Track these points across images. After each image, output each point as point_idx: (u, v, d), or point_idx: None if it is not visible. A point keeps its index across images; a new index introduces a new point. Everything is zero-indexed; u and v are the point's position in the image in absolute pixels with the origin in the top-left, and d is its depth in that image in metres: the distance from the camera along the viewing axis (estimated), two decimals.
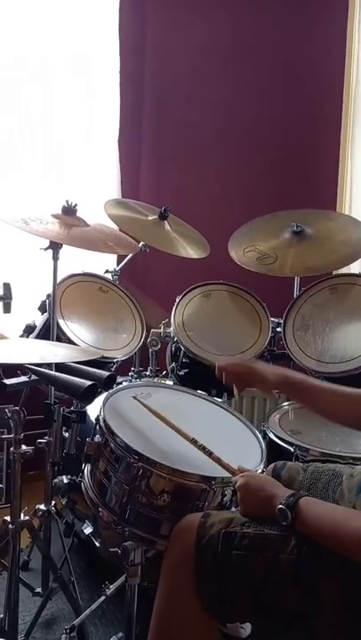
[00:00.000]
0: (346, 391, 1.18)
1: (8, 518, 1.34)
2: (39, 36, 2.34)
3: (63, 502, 1.77)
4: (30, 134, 2.38)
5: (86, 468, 1.30)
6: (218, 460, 1.14)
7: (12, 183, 2.34)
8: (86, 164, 2.52)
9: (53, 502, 1.64)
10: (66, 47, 2.41)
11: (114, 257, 2.41)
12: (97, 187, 2.53)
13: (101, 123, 2.57)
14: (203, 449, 1.16)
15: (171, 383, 1.76)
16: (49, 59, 2.38)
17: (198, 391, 1.55)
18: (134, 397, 1.33)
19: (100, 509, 1.22)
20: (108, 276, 2.12)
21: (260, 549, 0.95)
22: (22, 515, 1.35)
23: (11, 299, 1.39)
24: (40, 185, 2.39)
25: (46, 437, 1.60)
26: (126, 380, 1.89)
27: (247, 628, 1.34)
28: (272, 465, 1.26)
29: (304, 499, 0.95)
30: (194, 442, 1.18)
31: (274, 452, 1.52)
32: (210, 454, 1.15)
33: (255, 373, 1.24)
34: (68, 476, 1.70)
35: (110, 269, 2.16)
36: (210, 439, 1.20)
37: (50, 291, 1.67)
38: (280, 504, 0.95)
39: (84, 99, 2.50)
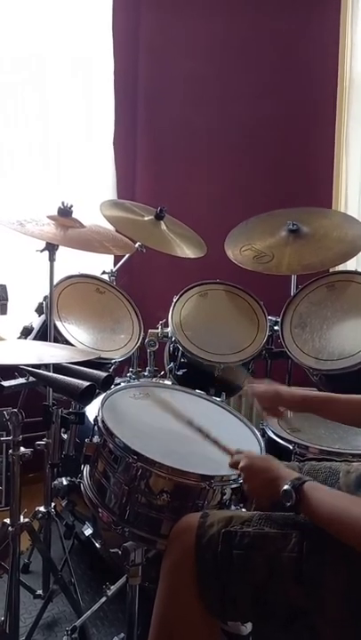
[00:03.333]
0: None
1: (8, 521, 1.33)
2: (36, 37, 2.33)
3: (63, 504, 1.77)
4: (26, 135, 2.38)
5: (85, 469, 1.30)
6: (216, 442, 1.14)
7: (8, 184, 2.34)
8: (82, 166, 2.52)
9: (53, 504, 1.64)
10: (62, 48, 2.41)
11: (110, 258, 2.40)
12: (93, 188, 2.52)
13: (97, 124, 2.57)
14: (199, 431, 1.16)
15: (169, 383, 1.76)
16: (46, 60, 2.38)
17: (197, 390, 1.55)
18: (128, 395, 1.34)
19: (99, 510, 1.22)
20: (105, 277, 2.12)
21: (260, 548, 0.95)
22: (22, 517, 1.35)
23: (7, 300, 1.39)
24: (36, 186, 2.39)
25: (45, 439, 1.59)
26: (124, 381, 1.88)
27: (248, 626, 1.34)
28: None
29: (310, 482, 0.95)
30: (190, 423, 1.17)
31: (273, 451, 1.51)
32: (207, 436, 1.15)
33: (281, 399, 1.28)
34: (68, 478, 1.69)
35: (107, 270, 2.16)
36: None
37: (47, 292, 1.67)
38: (285, 485, 0.95)
39: (80, 100, 2.50)
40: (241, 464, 1.05)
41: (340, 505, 0.91)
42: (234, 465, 1.08)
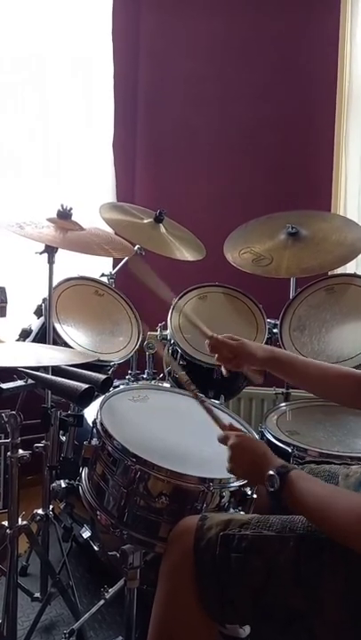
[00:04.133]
0: (333, 367, 1.22)
1: (6, 523, 1.33)
2: (36, 37, 2.34)
3: (61, 507, 1.77)
4: (26, 137, 2.39)
5: (84, 472, 1.30)
6: (209, 411, 1.14)
7: (7, 187, 2.34)
8: (81, 168, 2.53)
9: (51, 507, 1.64)
10: (62, 49, 2.42)
11: (110, 261, 2.41)
12: (92, 190, 2.53)
13: (96, 125, 2.58)
14: (196, 396, 1.18)
15: (168, 386, 1.76)
16: (46, 60, 2.39)
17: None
18: (126, 397, 1.34)
19: (97, 513, 1.22)
20: (104, 279, 2.12)
21: (258, 551, 0.95)
22: (20, 519, 1.35)
23: (6, 303, 1.39)
24: (35, 189, 2.39)
25: (43, 441, 1.59)
26: (123, 384, 1.88)
27: (246, 629, 1.33)
28: None
29: (296, 470, 0.95)
30: (188, 384, 1.21)
31: None
32: (202, 402, 1.16)
33: (244, 348, 1.25)
34: (66, 480, 1.69)
35: (106, 273, 2.16)
36: (208, 439, 1.20)
37: (45, 295, 1.67)
38: (270, 470, 0.94)
39: (80, 101, 2.51)
40: (230, 441, 1.04)
41: (325, 496, 0.91)
42: (223, 440, 1.07)
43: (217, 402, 1.58)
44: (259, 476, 0.97)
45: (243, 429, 1.39)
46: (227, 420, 1.29)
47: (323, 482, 1.05)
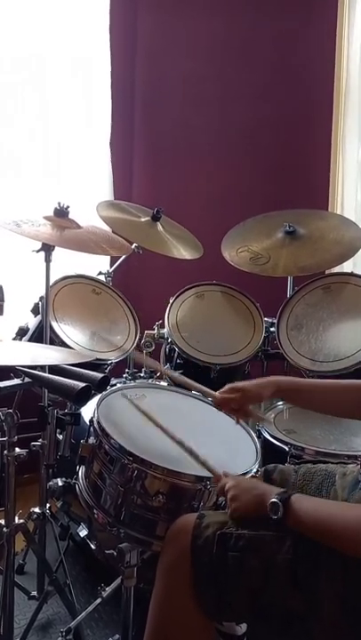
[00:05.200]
0: (338, 384, 1.21)
1: (2, 522, 1.33)
2: (36, 38, 2.33)
3: (58, 505, 1.76)
4: (23, 136, 2.38)
5: (81, 470, 1.30)
6: (204, 463, 1.13)
7: (4, 185, 2.33)
8: (79, 166, 2.52)
9: (48, 505, 1.63)
10: (61, 48, 2.41)
11: (107, 259, 2.40)
12: (89, 188, 2.52)
13: (94, 124, 2.57)
14: (190, 452, 1.15)
15: (165, 384, 1.76)
16: (45, 60, 2.38)
17: (193, 392, 1.55)
18: (124, 396, 1.33)
19: (94, 511, 1.22)
20: (102, 277, 2.12)
21: (255, 550, 0.95)
22: (17, 518, 1.35)
23: (3, 301, 1.39)
24: (32, 187, 2.38)
25: (40, 440, 1.59)
26: (121, 382, 1.88)
27: (243, 626, 1.34)
28: (263, 468, 1.26)
29: (296, 494, 0.96)
30: (181, 444, 1.17)
31: (268, 452, 1.52)
32: (196, 457, 1.14)
33: (248, 395, 1.23)
34: (63, 479, 1.69)
35: (103, 271, 2.15)
36: (205, 439, 1.20)
37: (42, 293, 1.67)
38: (272, 498, 0.95)
39: (77, 100, 2.50)
40: (227, 485, 1.04)
41: (326, 514, 0.91)
42: (220, 491, 1.07)
43: None
44: (261, 507, 0.97)
45: (240, 429, 1.40)
46: (227, 428, 1.30)
47: (322, 499, 1.06)
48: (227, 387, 1.27)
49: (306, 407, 1.30)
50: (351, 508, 0.95)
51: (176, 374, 1.34)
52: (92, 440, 1.26)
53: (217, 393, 1.29)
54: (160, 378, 2.03)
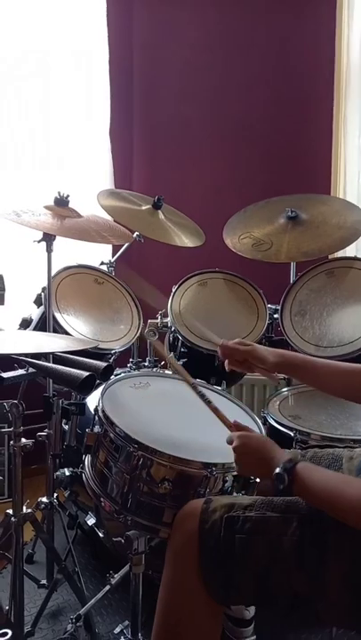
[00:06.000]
0: (343, 365, 1.21)
1: (11, 511, 1.34)
2: (38, 31, 2.33)
3: (65, 494, 1.78)
4: (23, 126, 2.36)
5: (87, 460, 1.30)
6: (215, 410, 1.14)
7: (3, 174, 2.32)
8: (78, 155, 2.50)
9: (56, 494, 1.64)
10: (61, 41, 2.40)
11: (109, 248, 2.39)
12: (89, 177, 2.51)
13: (94, 113, 2.55)
14: (201, 396, 1.16)
15: (170, 373, 1.76)
16: (46, 52, 2.37)
17: (197, 379, 1.54)
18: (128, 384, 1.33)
19: (101, 500, 1.22)
20: (104, 267, 2.11)
21: (262, 532, 0.96)
22: (25, 508, 1.36)
23: (4, 290, 1.38)
24: (32, 176, 2.37)
25: (46, 430, 1.60)
26: (125, 372, 1.88)
27: (251, 610, 1.35)
28: None
29: (302, 463, 0.95)
30: (193, 387, 1.19)
31: (274, 438, 1.50)
32: (208, 402, 1.15)
33: (255, 354, 1.24)
34: (70, 468, 1.70)
35: (105, 261, 2.15)
36: (210, 425, 1.20)
37: (45, 283, 1.66)
38: (277, 469, 0.94)
39: (77, 90, 2.48)
40: (235, 443, 1.04)
41: (333, 485, 0.91)
42: (229, 441, 1.07)
43: (219, 388, 1.57)
44: (266, 474, 0.97)
45: (246, 415, 1.40)
46: (232, 415, 1.30)
47: (329, 470, 1.05)
48: (237, 340, 1.28)
49: (310, 383, 1.29)
50: (355, 482, 0.95)
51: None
52: (97, 429, 1.26)
53: (223, 341, 1.29)
54: (165, 367, 2.03)
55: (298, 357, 1.26)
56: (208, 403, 1.15)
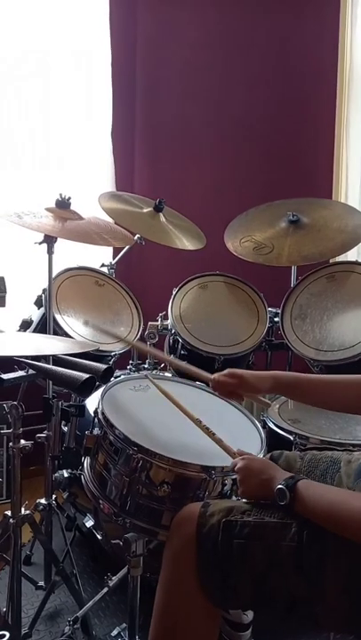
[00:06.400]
0: (338, 378, 1.20)
1: (9, 513, 1.34)
2: (38, 31, 2.32)
3: (64, 496, 1.77)
4: (25, 128, 2.37)
5: (86, 462, 1.31)
6: (219, 442, 1.14)
7: (5, 176, 2.32)
8: (80, 157, 2.51)
9: (54, 496, 1.64)
10: (63, 41, 2.39)
11: (109, 250, 2.40)
12: (91, 180, 2.51)
13: (95, 115, 2.55)
14: (206, 429, 1.17)
15: (169, 375, 1.76)
16: (47, 53, 2.36)
17: (197, 382, 1.55)
18: (146, 376, 1.34)
19: (100, 502, 1.22)
20: (105, 269, 2.11)
21: (260, 537, 0.96)
22: (23, 509, 1.35)
23: (5, 292, 1.38)
24: (33, 178, 2.37)
25: (45, 432, 1.60)
26: (125, 374, 1.88)
27: (249, 614, 1.34)
28: (269, 454, 1.26)
29: (303, 480, 0.96)
30: (198, 422, 1.19)
31: (273, 441, 1.52)
32: (212, 435, 1.15)
33: (245, 386, 1.23)
34: (69, 470, 1.70)
35: (106, 263, 2.15)
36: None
37: (45, 285, 1.66)
38: (279, 484, 0.95)
39: (79, 91, 2.48)
40: (238, 465, 1.05)
41: (334, 500, 0.92)
42: (232, 467, 1.08)
43: None
44: (268, 492, 0.98)
45: (245, 419, 1.40)
46: (231, 419, 1.30)
47: (330, 486, 1.06)
48: (226, 371, 1.26)
49: (307, 402, 1.28)
50: (357, 497, 0.95)
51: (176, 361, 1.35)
52: (96, 431, 1.26)
53: (214, 375, 1.28)
54: (164, 369, 2.03)
55: (290, 377, 1.23)
56: (212, 435, 1.15)
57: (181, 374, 1.65)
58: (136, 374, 1.65)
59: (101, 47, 2.52)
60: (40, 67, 2.36)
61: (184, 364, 1.46)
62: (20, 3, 2.28)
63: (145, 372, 1.41)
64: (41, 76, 2.37)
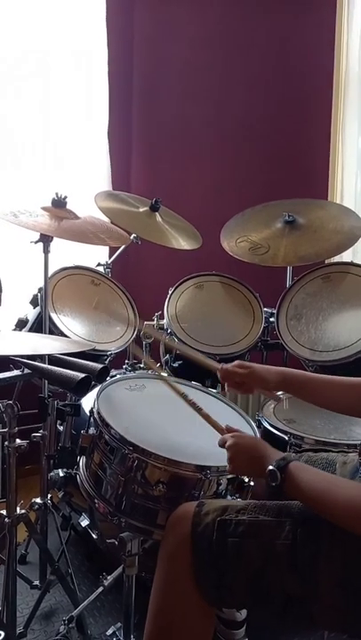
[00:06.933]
0: (344, 380, 1.20)
1: (4, 512, 1.33)
2: (37, 31, 2.33)
3: (59, 495, 1.77)
4: (21, 127, 2.36)
5: (81, 461, 1.31)
6: (207, 417, 1.15)
7: (1, 176, 2.32)
8: (76, 156, 2.51)
9: (49, 495, 1.64)
10: (61, 41, 2.40)
11: (105, 251, 2.40)
12: (87, 179, 2.51)
13: (93, 115, 2.55)
14: (193, 404, 1.17)
15: (165, 375, 1.76)
16: (46, 54, 2.37)
17: (193, 382, 1.55)
18: (123, 386, 1.34)
19: (95, 501, 1.22)
20: (100, 269, 2.11)
21: (255, 536, 0.96)
22: (18, 508, 1.35)
23: (1, 291, 1.38)
24: (29, 177, 2.37)
25: (41, 431, 1.59)
26: (120, 373, 1.88)
27: (243, 613, 1.35)
28: None
29: (294, 462, 0.95)
30: (184, 396, 1.19)
31: (269, 441, 1.50)
32: (200, 410, 1.16)
33: (255, 376, 1.24)
34: (64, 469, 1.69)
35: (102, 262, 2.15)
36: (205, 428, 1.20)
37: (41, 284, 1.66)
38: (270, 466, 0.95)
39: (76, 92, 2.48)
40: (228, 442, 1.04)
41: (324, 484, 0.92)
42: (222, 443, 1.07)
43: (214, 391, 1.58)
44: (259, 472, 0.97)
45: (240, 418, 1.40)
46: (226, 418, 1.30)
47: (321, 471, 1.06)
48: (236, 362, 1.27)
49: (311, 401, 1.29)
50: (346, 483, 0.96)
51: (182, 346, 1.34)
52: (92, 431, 1.26)
53: (223, 364, 1.29)
54: (160, 369, 2.03)
55: (299, 375, 1.24)
56: (199, 410, 1.15)
57: (177, 374, 1.65)
58: (132, 374, 1.65)
59: (100, 47, 2.52)
60: (40, 67, 2.36)
61: (192, 352, 1.46)
62: (20, 3, 2.28)
63: (122, 383, 1.40)
64: (41, 75, 2.37)
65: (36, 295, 1.85)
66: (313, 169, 2.67)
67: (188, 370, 1.87)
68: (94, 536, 1.53)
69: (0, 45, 2.25)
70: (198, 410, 1.15)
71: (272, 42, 2.65)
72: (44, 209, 1.61)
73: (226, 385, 1.30)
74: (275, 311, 1.96)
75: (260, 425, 1.61)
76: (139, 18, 2.64)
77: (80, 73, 2.47)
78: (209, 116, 2.69)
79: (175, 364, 1.93)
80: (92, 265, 2.10)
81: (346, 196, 2.60)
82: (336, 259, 2.22)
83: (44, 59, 2.37)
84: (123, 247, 2.15)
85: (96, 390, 1.32)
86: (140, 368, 2.02)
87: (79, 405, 1.63)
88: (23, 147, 2.37)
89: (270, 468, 0.94)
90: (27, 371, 1.28)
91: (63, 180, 2.42)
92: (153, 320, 1.99)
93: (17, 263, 2.18)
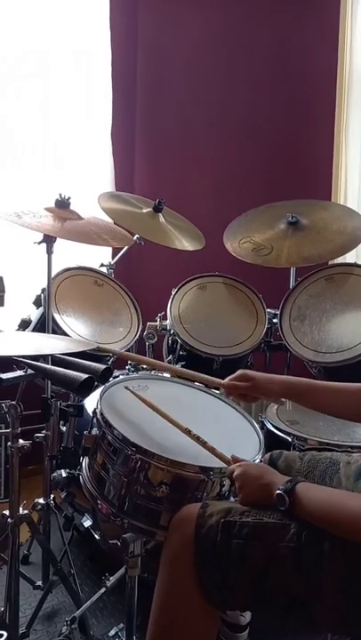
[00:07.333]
0: (349, 387, 1.20)
1: (7, 512, 1.34)
2: (38, 32, 2.33)
3: (62, 496, 1.77)
4: (25, 127, 2.37)
5: (84, 462, 1.31)
6: (212, 450, 1.14)
7: (5, 176, 2.32)
8: (80, 157, 2.51)
9: (52, 496, 1.64)
10: (63, 41, 2.40)
11: (109, 251, 2.40)
12: (90, 180, 2.51)
13: (95, 115, 2.56)
14: (197, 439, 1.17)
15: (168, 376, 1.76)
16: (47, 53, 2.37)
17: (196, 383, 1.55)
18: (126, 388, 1.34)
19: (98, 502, 1.22)
20: (104, 269, 2.11)
21: (259, 538, 0.96)
22: (21, 509, 1.35)
23: (4, 292, 1.38)
24: (33, 178, 2.37)
25: (44, 431, 1.60)
26: (123, 374, 1.88)
27: (247, 616, 1.34)
28: (268, 454, 1.26)
29: (301, 484, 0.96)
30: (188, 432, 1.18)
31: (272, 443, 1.52)
32: (204, 444, 1.15)
33: (257, 388, 1.25)
34: (67, 470, 1.70)
35: (105, 263, 2.15)
36: (208, 430, 1.20)
37: (45, 285, 1.66)
38: (278, 489, 0.96)
39: (78, 91, 2.49)
40: (235, 472, 1.05)
41: (332, 502, 0.92)
42: (229, 474, 1.08)
43: (217, 392, 1.58)
44: (267, 498, 0.98)
45: (243, 420, 1.40)
46: (229, 419, 1.30)
47: (328, 488, 1.06)
48: (239, 372, 1.29)
49: (314, 409, 1.29)
50: (355, 498, 0.96)
51: (181, 369, 1.36)
52: (95, 431, 1.26)
53: (226, 379, 1.31)
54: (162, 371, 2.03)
55: (302, 383, 1.24)
56: (203, 444, 1.15)
57: (188, 367, 1.65)
58: (135, 374, 1.65)
59: (102, 47, 2.52)
60: (40, 67, 2.36)
61: (191, 373, 1.47)
62: (20, 3, 2.28)
63: (125, 384, 1.40)
64: (41, 75, 2.37)
65: (40, 296, 1.85)
66: (316, 170, 2.67)
67: (191, 370, 1.86)
68: (97, 537, 1.54)
69: (1, 45, 2.25)
70: (203, 443, 1.16)
71: (275, 42, 2.65)
72: (48, 210, 1.62)
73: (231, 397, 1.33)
74: (278, 312, 1.96)
75: (263, 426, 1.60)
76: (142, 19, 2.64)
77: (80, 73, 2.47)
78: (212, 116, 2.69)
79: (178, 365, 1.92)
80: (96, 266, 2.10)
81: (349, 197, 2.60)
82: (340, 260, 2.21)
83: (45, 59, 2.37)
84: (126, 248, 2.15)
85: (99, 391, 1.32)
86: (143, 369, 2.02)
87: (82, 406, 1.63)
88: (23, 147, 2.37)
89: (278, 492, 0.95)
90: (30, 371, 1.27)
91: (64, 180, 2.42)
92: (156, 321, 1.99)
93: (20, 264, 2.19)
